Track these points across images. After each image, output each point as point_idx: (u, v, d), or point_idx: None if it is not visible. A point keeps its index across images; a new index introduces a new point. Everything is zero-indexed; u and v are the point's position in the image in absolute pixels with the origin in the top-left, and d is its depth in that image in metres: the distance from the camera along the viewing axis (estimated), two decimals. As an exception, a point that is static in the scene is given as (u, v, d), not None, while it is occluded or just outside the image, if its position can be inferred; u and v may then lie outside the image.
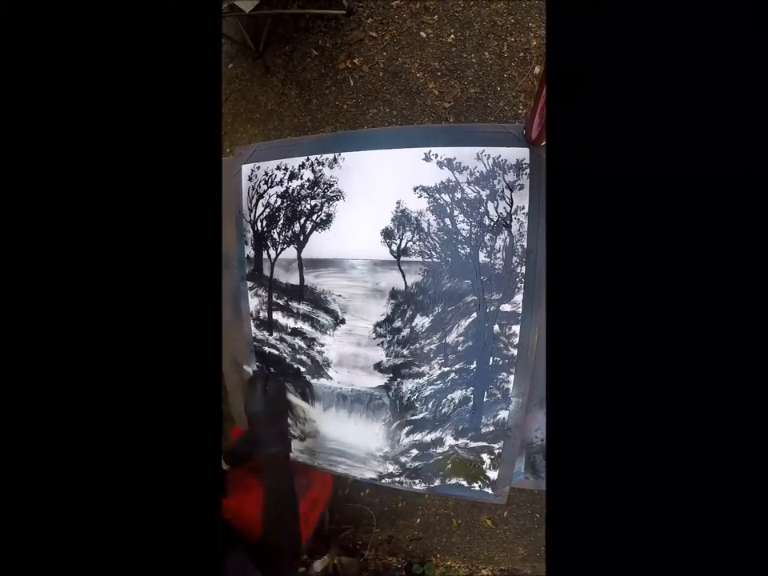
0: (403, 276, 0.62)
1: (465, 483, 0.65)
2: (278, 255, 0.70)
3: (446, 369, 0.62)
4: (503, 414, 0.61)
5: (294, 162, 0.67)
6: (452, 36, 1.38)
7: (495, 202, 0.57)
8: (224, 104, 1.66)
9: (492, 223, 0.58)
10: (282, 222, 0.69)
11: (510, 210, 0.57)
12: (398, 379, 0.65)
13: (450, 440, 0.64)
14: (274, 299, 0.72)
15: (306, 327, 0.70)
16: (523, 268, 0.57)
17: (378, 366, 0.66)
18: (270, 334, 0.73)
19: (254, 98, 1.64)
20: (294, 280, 0.69)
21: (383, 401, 0.66)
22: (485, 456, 0.63)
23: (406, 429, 0.66)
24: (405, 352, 0.64)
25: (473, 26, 1.37)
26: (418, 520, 1.54)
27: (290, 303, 0.70)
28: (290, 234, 0.68)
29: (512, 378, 0.60)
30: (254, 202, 0.71)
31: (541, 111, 0.47)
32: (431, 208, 0.60)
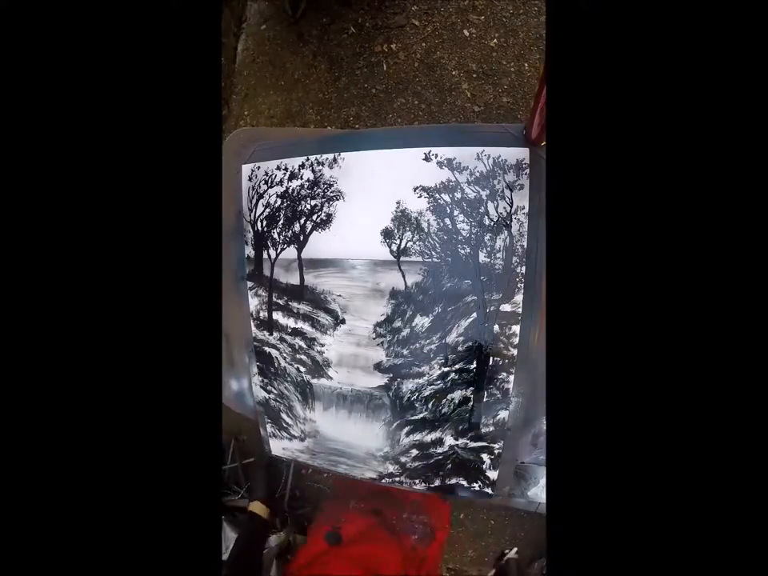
0: (403, 276, 0.62)
1: (465, 483, 0.65)
2: (278, 255, 0.70)
3: (446, 369, 0.62)
4: (503, 414, 0.61)
5: (293, 162, 0.67)
6: (495, 40, 1.34)
7: (495, 202, 0.57)
8: (250, 65, 1.59)
9: (492, 223, 0.58)
10: (282, 222, 0.69)
11: (510, 210, 0.57)
12: (398, 379, 0.65)
13: (449, 440, 0.64)
14: (274, 299, 0.72)
15: (306, 327, 0.70)
16: (523, 268, 0.57)
17: (378, 366, 0.66)
18: (270, 334, 0.73)
19: (281, 65, 1.56)
20: (294, 280, 0.69)
21: (383, 401, 0.66)
22: (485, 456, 0.63)
23: (406, 429, 0.66)
24: (405, 352, 0.64)
25: (518, 35, 1.33)
26: (376, 505, 1.53)
27: (290, 303, 0.70)
28: (290, 233, 0.68)
29: (512, 378, 0.60)
30: (254, 201, 0.71)
31: (541, 111, 0.47)
32: (431, 208, 0.60)
